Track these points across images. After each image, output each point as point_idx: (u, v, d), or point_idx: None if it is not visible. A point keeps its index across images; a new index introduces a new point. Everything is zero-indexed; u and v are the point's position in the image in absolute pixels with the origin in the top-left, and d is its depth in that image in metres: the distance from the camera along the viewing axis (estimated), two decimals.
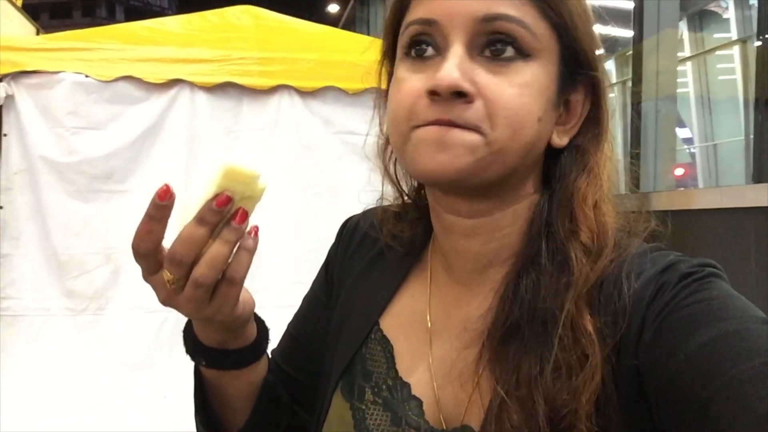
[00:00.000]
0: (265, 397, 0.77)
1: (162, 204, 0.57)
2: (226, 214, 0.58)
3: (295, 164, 3.72)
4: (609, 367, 0.58)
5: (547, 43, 0.62)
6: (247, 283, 0.70)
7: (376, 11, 14.68)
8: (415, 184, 0.77)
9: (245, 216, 0.59)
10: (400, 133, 0.63)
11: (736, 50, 8.52)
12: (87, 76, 3.46)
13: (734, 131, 8.57)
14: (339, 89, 3.75)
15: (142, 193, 3.52)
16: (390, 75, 0.71)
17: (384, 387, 0.71)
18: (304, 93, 3.72)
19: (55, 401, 3.10)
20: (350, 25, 16.04)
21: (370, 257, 0.80)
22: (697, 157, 9.48)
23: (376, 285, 0.77)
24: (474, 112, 0.59)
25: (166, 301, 0.63)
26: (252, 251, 0.62)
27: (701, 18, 9.65)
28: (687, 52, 9.08)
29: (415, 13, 0.63)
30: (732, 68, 8.69)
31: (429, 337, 0.71)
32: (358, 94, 3.75)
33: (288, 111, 3.71)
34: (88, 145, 3.46)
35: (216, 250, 0.59)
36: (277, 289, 3.07)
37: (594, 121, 0.67)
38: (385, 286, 0.77)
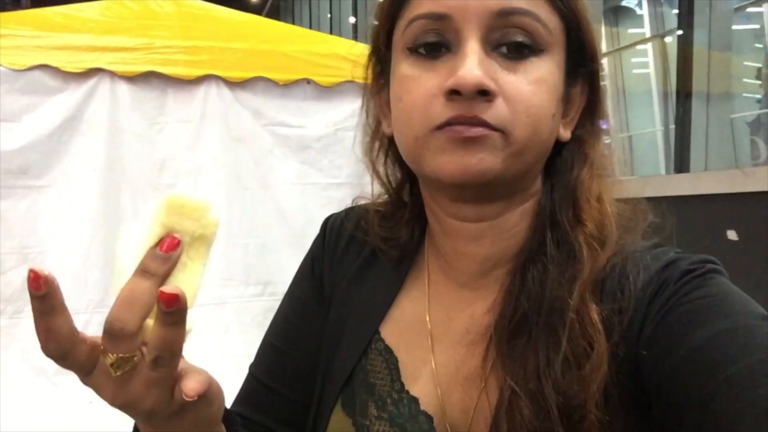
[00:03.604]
0: None
1: (41, 294, 0.43)
2: (176, 260, 0.46)
3: (223, 157, 3.62)
4: (613, 359, 0.57)
5: (558, 37, 0.61)
6: None
7: (300, 2, 14.50)
8: (402, 179, 0.74)
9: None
10: (415, 136, 0.60)
11: (650, 46, 8.87)
12: None
13: (648, 123, 8.93)
14: (269, 80, 3.66)
15: (61, 188, 3.35)
16: (380, 71, 0.69)
17: (389, 401, 0.67)
18: (232, 84, 3.61)
19: None
20: (274, 14, 15.78)
21: (361, 261, 0.76)
22: (612, 148, 9.80)
23: (371, 291, 0.73)
24: (496, 111, 0.58)
25: (119, 398, 0.47)
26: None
27: (616, 13, 10.01)
28: (603, 47, 9.39)
29: (422, 7, 0.60)
30: (646, 62, 9.04)
31: (430, 342, 0.68)
32: (288, 85, 3.68)
33: (216, 102, 3.60)
34: (0, 139, 3.23)
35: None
36: (207, 285, 2.97)
37: (591, 112, 0.68)
38: (381, 293, 0.73)
